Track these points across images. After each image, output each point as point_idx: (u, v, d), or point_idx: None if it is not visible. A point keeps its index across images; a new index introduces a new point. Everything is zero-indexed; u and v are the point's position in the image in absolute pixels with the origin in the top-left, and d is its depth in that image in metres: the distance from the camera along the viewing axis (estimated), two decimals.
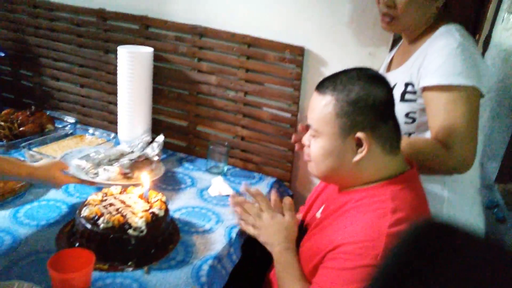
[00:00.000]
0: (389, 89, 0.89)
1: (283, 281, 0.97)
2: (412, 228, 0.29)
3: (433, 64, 0.99)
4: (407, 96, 1.06)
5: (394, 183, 0.88)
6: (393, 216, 0.83)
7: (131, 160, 1.30)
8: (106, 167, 1.26)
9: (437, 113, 0.99)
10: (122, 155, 1.35)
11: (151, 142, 1.45)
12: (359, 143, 0.87)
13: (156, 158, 1.37)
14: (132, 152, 1.38)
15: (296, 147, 1.14)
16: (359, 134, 0.86)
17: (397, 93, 1.06)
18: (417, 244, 0.29)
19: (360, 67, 0.92)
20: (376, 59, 1.31)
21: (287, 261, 0.99)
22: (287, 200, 1.06)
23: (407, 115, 1.07)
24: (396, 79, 1.09)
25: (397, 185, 0.88)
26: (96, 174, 1.24)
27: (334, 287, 0.82)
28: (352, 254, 0.82)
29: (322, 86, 0.91)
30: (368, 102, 0.85)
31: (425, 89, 1.01)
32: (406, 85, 1.06)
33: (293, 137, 1.15)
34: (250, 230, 1.07)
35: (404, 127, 1.06)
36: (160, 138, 1.44)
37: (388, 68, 1.20)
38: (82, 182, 1.18)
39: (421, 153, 1.00)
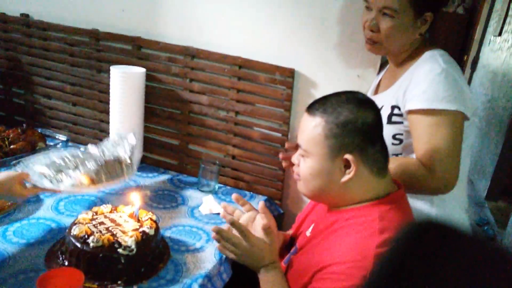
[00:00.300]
0: (377, 113, 0.92)
1: None
2: (405, 229, 0.29)
3: (418, 89, 1.03)
4: (394, 118, 1.09)
5: (382, 204, 0.90)
6: (381, 236, 0.84)
7: (99, 164, 1.20)
8: (71, 173, 1.15)
9: (420, 136, 1.02)
10: (91, 157, 1.22)
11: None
12: (347, 165, 0.89)
13: (128, 160, 1.26)
14: (103, 152, 1.26)
15: (284, 164, 1.16)
16: (347, 156, 0.88)
17: (384, 115, 1.09)
18: (411, 244, 0.29)
19: (349, 91, 0.95)
20: (364, 81, 1.35)
21: (274, 280, 0.99)
22: (264, 226, 1.04)
23: (394, 136, 1.10)
24: (384, 101, 1.12)
25: (384, 206, 0.90)
26: (60, 181, 1.13)
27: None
28: (341, 275, 0.83)
29: (312, 108, 0.94)
30: (357, 125, 0.88)
31: (410, 112, 1.04)
32: (393, 107, 1.09)
33: (281, 155, 1.17)
34: (229, 255, 1.06)
35: (391, 148, 1.09)
36: (131, 138, 1.30)
37: (376, 91, 1.24)
38: (44, 190, 1.12)
39: (405, 174, 1.03)
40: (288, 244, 1.15)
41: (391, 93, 1.12)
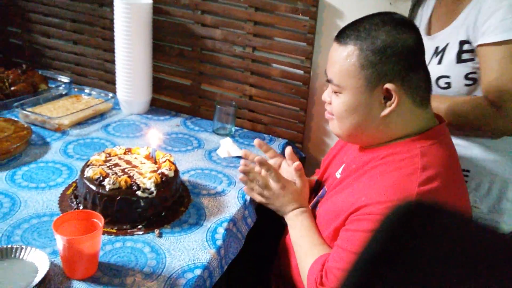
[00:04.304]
0: (417, 35, 0.81)
1: (299, 247, 0.91)
2: (391, 211, 0.29)
3: (493, 19, 0.89)
4: (464, 56, 0.96)
5: (424, 139, 0.82)
6: (423, 174, 0.77)
7: None
8: None
9: (490, 70, 0.90)
10: None
11: None
12: (388, 96, 0.80)
13: None
14: None
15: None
16: (388, 85, 0.79)
17: (451, 54, 0.97)
18: (397, 226, 0.29)
19: (383, 12, 0.84)
20: (397, 9, 1.22)
21: (303, 224, 0.93)
22: (297, 166, 0.98)
23: (466, 76, 0.97)
24: (448, 39, 0.99)
25: (426, 141, 0.81)
26: None
27: (359, 250, 0.77)
28: (379, 215, 0.76)
29: (343, 35, 0.83)
30: (396, 50, 0.77)
31: (482, 45, 0.91)
32: (462, 43, 0.95)
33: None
34: (257, 198, 1.01)
35: (464, 90, 0.97)
36: None
37: (429, 31, 1.08)
38: None
39: (467, 112, 0.93)
40: (314, 188, 1.08)
41: (456, 27, 0.98)
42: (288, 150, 1.04)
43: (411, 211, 0.29)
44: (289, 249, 0.98)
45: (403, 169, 0.79)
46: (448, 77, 0.98)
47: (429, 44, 1.03)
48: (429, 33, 1.07)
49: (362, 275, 0.28)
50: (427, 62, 1.03)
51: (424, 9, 1.12)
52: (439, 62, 1.00)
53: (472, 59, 0.96)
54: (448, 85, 0.99)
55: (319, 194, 1.01)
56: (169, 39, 1.48)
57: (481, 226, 0.29)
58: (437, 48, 1.02)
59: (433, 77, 1.00)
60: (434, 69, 0.99)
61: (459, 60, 0.97)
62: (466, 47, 0.95)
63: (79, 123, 1.34)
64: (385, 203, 0.77)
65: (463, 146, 1.02)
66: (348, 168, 0.94)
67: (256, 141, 1.10)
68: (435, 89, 1.01)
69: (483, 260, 0.27)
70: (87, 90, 1.53)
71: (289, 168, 1.03)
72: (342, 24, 1.28)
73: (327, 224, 0.90)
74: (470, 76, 0.97)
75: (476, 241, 0.28)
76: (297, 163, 1.00)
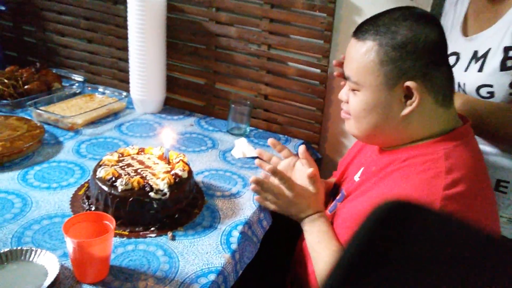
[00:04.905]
0: (440, 30, 0.76)
1: (316, 252, 0.87)
2: (371, 213, 0.29)
3: None
4: (509, 63, 0.89)
5: (447, 140, 0.77)
6: (448, 177, 0.73)
7: None
8: None
9: None
10: None
11: None
12: (408, 94, 0.76)
13: None
14: None
15: (335, 73, 1.02)
16: (409, 83, 0.74)
17: (494, 62, 0.90)
18: (377, 227, 0.29)
19: (404, 6, 0.80)
20: (418, 6, 1.17)
21: (320, 230, 0.89)
22: (310, 174, 0.93)
23: (511, 85, 0.90)
24: (488, 43, 0.92)
25: (450, 142, 0.77)
26: None
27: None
28: None
29: (361, 30, 0.79)
30: (418, 45, 0.73)
31: None
32: (507, 50, 0.89)
33: (334, 61, 1.03)
34: (271, 207, 0.96)
35: (509, 99, 0.91)
36: None
37: (465, 31, 1.00)
38: None
39: (502, 118, 0.88)
40: (332, 192, 1.04)
41: (498, 31, 0.91)
42: (302, 148, 0.99)
43: (392, 211, 0.29)
44: (306, 254, 0.95)
45: (427, 172, 0.75)
46: (491, 86, 0.91)
47: (466, 46, 0.97)
48: (465, 33, 1.00)
49: (345, 273, 0.27)
50: (464, 66, 0.97)
51: (458, 5, 1.05)
52: (480, 70, 0.93)
53: None
54: (491, 95, 0.92)
55: (337, 198, 0.97)
56: (183, 37, 1.45)
57: (464, 225, 0.29)
58: (476, 52, 0.95)
59: (473, 86, 0.94)
60: (474, 77, 0.94)
61: (504, 67, 0.89)
62: (511, 53, 0.88)
63: (92, 122, 1.32)
64: None
65: (502, 156, 0.96)
66: (368, 171, 0.90)
67: (270, 141, 1.06)
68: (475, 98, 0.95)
69: (466, 259, 0.27)
70: (100, 89, 1.52)
71: (303, 168, 0.99)
72: (361, 21, 1.23)
73: (346, 229, 0.86)
74: None
75: (459, 241, 0.28)
76: (311, 169, 0.94)
